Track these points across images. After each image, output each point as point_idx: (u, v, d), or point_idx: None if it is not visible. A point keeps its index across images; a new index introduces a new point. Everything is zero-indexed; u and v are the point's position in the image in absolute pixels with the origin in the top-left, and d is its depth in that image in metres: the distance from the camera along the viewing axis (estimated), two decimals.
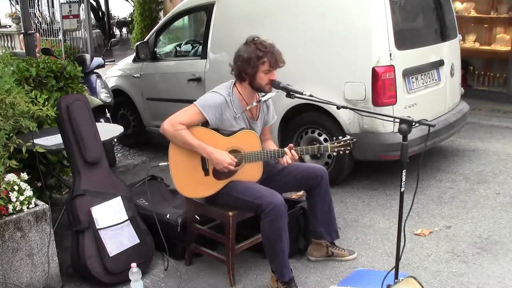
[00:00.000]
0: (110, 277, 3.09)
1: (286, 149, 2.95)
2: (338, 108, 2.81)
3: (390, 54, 4.13)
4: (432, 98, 4.69)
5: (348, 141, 2.94)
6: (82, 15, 13.26)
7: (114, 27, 22.15)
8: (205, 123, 2.96)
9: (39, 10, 15.90)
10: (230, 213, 3.00)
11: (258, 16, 4.76)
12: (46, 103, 3.46)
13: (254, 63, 2.90)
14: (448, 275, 3.12)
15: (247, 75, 2.96)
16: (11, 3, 17.03)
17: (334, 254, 3.33)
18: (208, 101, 2.96)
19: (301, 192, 4.04)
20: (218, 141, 2.96)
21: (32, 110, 3.13)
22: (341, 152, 2.96)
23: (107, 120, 5.15)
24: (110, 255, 3.10)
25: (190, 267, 3.35)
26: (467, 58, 7.11)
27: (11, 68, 3.81)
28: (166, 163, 3.11)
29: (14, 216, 2.85)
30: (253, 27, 4.50)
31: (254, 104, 3.02)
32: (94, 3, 19.72)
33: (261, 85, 2.96)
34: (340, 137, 2.98)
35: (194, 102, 2.97)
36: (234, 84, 3.06)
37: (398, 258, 2.63)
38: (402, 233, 2.58)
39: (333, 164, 4.50)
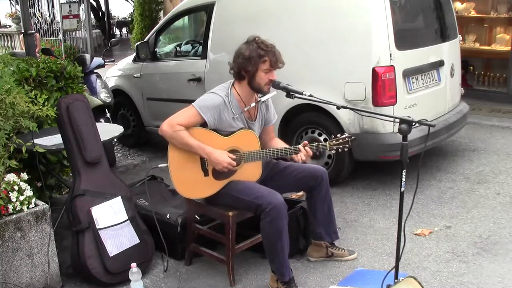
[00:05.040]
0: (110, 277, 3.10)
1: (300, 146, 2.95)
2: (338, 108, 2.81)
3: (390, 55, 4.13)
4: (432, 99, 4.69)
5: (347, 139, 2.93)
6: (82, 15, 13.26)
7: (114, 27, 22.15)
8: (204, 124, 2.96)
9: (39, 10, 15.91)
10: (230, 213, 3.00)
11: (258, 16, 4.76)
12: (46, 103, 3.46)
13: (255, 61, 2.90)
14: (448, 275, 3.12)
15: (247, 73, 2.95)
16: (11, 3, 17.03)
17: (334, 255, 3.33)
18: (206, 102, 2.96)
19: (301, 193, 4.03)
20: (217, 141, 2.96)
21: (32, 110, 3.13)
22: (339, 150, 2.95)
23: (107, 120, 5.15)
24: (110, 255, 3.10)
25: (190, 267, 3.35)
26: (467, 58, 7.10)
27: (11, 68, 3.80)
28: (165, 164, 3.11)
29: (14, 216, 2.85)
30: (253, 27, 4.50)
31: (253, 105, 3.02)
32: (94, 3, 19.71)
33: (260, 84, 2.96)
34: (338, 135, 2.98)
35: (192, 103, 2.97)
36: (233, 84, 3.06)
37: (398, 258, 2.63)
38: (402, 233, 2.58)
39: (333, 164, 4.50)
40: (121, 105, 6.16)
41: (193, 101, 3.00)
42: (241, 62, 2.94)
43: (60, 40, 13.31)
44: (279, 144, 3.22)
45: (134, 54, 5.93)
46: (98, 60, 5.47)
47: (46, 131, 3.79)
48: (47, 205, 3.02)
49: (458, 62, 5.16)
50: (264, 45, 2.93)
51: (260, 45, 2.92)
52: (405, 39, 4.32)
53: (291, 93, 2.91)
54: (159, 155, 5.78)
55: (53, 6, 15.38)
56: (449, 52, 4.93)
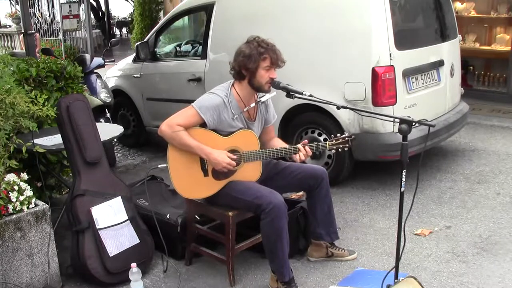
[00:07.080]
0: (110, 277, 3.09)
1: (299, 145, 2.95)
2: (338, 108, 2.81)
3: (390, 54, 4.13)
4: (432, 98, 4.69)
5: (347, 138, 2.94)
6: (82, 15, 13.27)
7: (114, 27, 22.15)
8: (203, 124, 2.96)
9: (39, 10, 15.93)
10: (230, 213, 3.00)
11: (258, 16, 4.76)
12: (46, 103, 3.45)
13: (255, 58, 2.90)
14: (448, 275, 3.12)
15: (247, 71, 2.95)
16: (11, 3, 17.05)
17: (334, 255, 3.33)
18: (206, 103, 2.95)
19: (301, 193, 4.03)
20: (216, 141, 2.96)
21: (32, 110, 3.13)
22: (339, 150, 2.96)
23: (107, 120, 5.16)
24: (110, 255, 3.10)
25: (190, 267, 3.35)
26: (467, 58, 7.11)
27: (11, 68, 3.80)
28: (165, 165, 3.11)
29: (14, 216, 2.85)
30: (253, 27, 4.50)
31: (252, 105, 3.02)
32: (94, 3, 19.70)
33: (260, 83, 2.96)
34: (338, 135, 2.98)
35: (192, 104, 2.97)
36: (232, 84, 3.06)
37: (398, 258, 2.63)
38: (402, 233, 2.58)
39: (333, 164, 4.50)
40: (121, 105, 6.16)
41: (193, 101, 3.00)
42: (242, 60, 2.94)
43: (60, 40, 13.32)
44: (279, 143, 3.23)
45: (134, 54, 5.93)
46: (98, 60, 5.48)
47: (46, 131, 3.79)
48: (47, 205, 3.02)
49: (458, 62, 5.15)
50: (264, 43, 2.94)
51: (260, 43, 2.93)
52: (405, 39, 4.32)
53: (291, 93, 2.91)
54: (159, 155, 5.78)
55: (53, 6, 15.41)
56: (449, 52, 4.93)
